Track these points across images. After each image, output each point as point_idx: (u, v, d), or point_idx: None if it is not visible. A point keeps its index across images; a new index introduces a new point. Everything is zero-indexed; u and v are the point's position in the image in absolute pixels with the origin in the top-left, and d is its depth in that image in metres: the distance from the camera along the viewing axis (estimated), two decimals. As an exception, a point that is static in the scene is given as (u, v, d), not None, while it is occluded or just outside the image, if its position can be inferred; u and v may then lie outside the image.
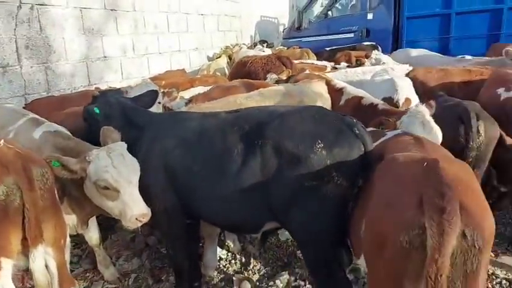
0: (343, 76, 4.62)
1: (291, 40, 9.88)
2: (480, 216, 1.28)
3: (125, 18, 5.97)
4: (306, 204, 1.97)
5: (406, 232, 1.28)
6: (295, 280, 3.02)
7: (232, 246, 3.44)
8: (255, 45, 9.98)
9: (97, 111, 2.70)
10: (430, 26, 8.21)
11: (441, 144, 2.92)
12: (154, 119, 2.59)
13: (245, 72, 5.40)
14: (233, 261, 3.39)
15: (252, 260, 3.36)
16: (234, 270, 3.27)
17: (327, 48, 8.79)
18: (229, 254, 3.46)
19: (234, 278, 3.06)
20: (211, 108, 2.91)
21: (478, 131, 2.68)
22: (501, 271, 3.08)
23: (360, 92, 3.30)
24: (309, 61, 7.34)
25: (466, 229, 1.23)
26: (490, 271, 3.09)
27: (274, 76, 4.80)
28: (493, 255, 3.31)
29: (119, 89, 3.36)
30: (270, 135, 2.06)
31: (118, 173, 2.14)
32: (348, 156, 1.90)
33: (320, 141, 1.94)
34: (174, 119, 2.56)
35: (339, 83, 3.55)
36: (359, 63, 6.11)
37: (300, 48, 9.26)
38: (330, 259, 2.02)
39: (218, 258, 3.38)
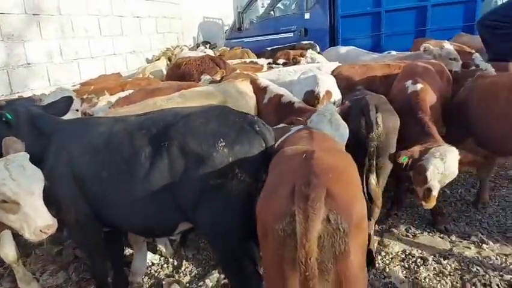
0: (276, 75, 4.73)
1: (233, 41, 9.95)
2: (346, 202, 1.38)
3: (49, 22, 5.70)
4: (212, 202, 2.01)
5: (281, 221, 1.35)
6: (225, 278, 3.07)
7: (164, 250, 3.42)
8: (197, 46, 9.93)
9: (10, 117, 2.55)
10: (363, 24, 8.63)
11: (354, 136, 3.11)
12: (62, 126, 2.50)
13: (180, 73, 5.37)
14: (165, 265, 3.36)
15: (184, 262, 3.36)
16: (166, 274, 3.24)
17: (269, 48, 8.98)
18: (162, 258, 3.43)
19: (163, 282, 3.05)
20: (128, 112, 2.87)
21: (377, 123, 2.86)
22: (417, 251, 3.32)
23: (281, 90, 3.40)
24: (248, 60, 7.45)
25: (330, 214, 1.32)
26: (408, 251, 3.32)
27: (207, 77, 4.80)
28: (411, 236, 3.57)
29: (30, 97, 3.22)
30: (175, 136, 2.08)
31: (17, 185, 2.05)
32: (249, 152, 1.97)
33: (221, 140, 1.99)
34: (82, 124, 2.50)
35: (263, 82, 3.64)
36: (295, 62, 6.30)
37: (242, 48, 9.40)
38: (239, 255, 2.07)
39: (150, 263, 3.34)
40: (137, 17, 7.75)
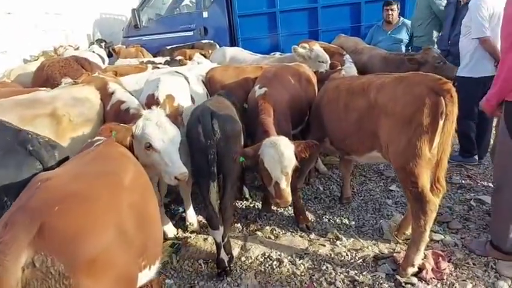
0: (147, 78, 4.46)
1: (131, 38, 9.39)
2: (66, 240, 1.20)
3: None
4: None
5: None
6: None
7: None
8: (92, 44, 9.20)
9: None
10: (260, 24, 8.67)
11: (192, 145, 3.00)
12: None
13: (43, 77, 4.85)
14: None
15: None
16: None
17: (168, 47, 8.65)
18: None
19: None
20: None
21: (214, 129, 2.79)
22: (276, 252, 3.32)
23: (124, 97, 3.16)
24: (145, 60, 7.09)
25: (36, 256, 1.13)
26: (267, 254, 3.31)
27: (69, 80, 4.37)
28: (274, 238, 3.58)
29: None
30: None
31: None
32: (17, 177, 1.71)
33: (-15, 164, 1.71)
34: None
35: (112, 87, 3.37)
36: (181, 64, 6.08)
37: (141, 46, 8.93)
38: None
39: None
40: (9, 13, 6.88)
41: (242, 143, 3.23)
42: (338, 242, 3.40)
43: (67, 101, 3.00)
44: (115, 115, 3.01)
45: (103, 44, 9.28)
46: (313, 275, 3.04)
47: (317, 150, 3.26)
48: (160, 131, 2.58)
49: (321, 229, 3.66)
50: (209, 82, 4.46)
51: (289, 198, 2.87)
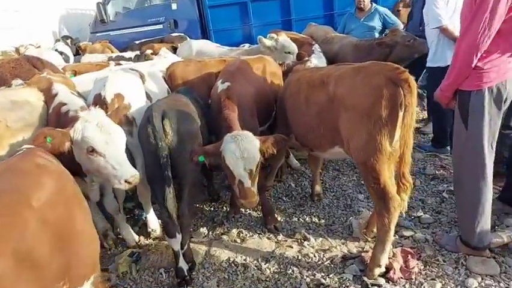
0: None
1: (98, 34, 9.05)
2: None
3: None
4: None
5: None
6: None
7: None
8: (57, 42, 8.80)
9: None
10: (232, 15, 8.42)
11: (143, 147, 2.79)
12: None
13: (2, 76, 4.51)
14: None
15: None
16: None
17: (137, 42, 8.33)
18: None
19: None
20: None
21: (165, 130, 2.58)
22: (241, 257, 3.16)
23: (66, 98, 2.92)
24: (114, 55, 6.81)
25: None
26: (232, 259, 3.14)
27: (19, 82, 4.06)
28: (240, 241, 3.41)
29: None
30: None
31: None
32: None
33: None
34: None
35: (56, 88, 3.11)
36: (146, 58, 5.81)
37: (109, 42, 8.59)
38: None
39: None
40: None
41: (201, 142, 3.02)
42: (306, 243, 3.25)
43: (4, 105, 2.74)
44: (56, 119, 2.77)
45: (69, 41, 8.91)
46: (279, 280, 2.88)
47: (285, 146, 3.08)
48: (102, 133, 2.35)
49: (290, 229, 3.51)
50: (170, 78, 4.22)
51: (255, 199, 2.68)
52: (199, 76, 4.21)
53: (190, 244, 3.25)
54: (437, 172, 4.29)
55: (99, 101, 3.01)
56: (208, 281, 2.96)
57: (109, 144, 2.39)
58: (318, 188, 3.94)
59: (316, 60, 4.31)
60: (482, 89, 2.42)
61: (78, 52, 8.52)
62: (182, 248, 2.90)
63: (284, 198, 4.11)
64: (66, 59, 7.44)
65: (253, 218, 3.76)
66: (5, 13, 7.64)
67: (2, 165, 1.61)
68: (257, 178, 2.78)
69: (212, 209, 4.04)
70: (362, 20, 6.33)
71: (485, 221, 2.64)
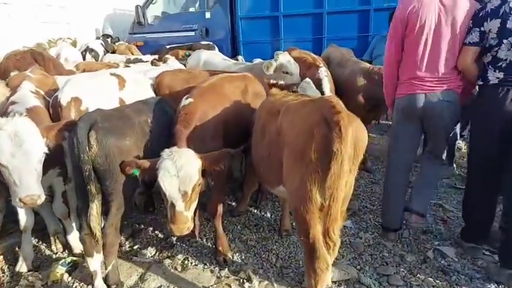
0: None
1: (135, 36, 9.34)
2: None
3: None
4: None
5: None
6: None
7: None
8: (97, 39, 9.25)
9: None
10: (263, 28, 8.28)
11: (71, 158, 2.65)
12: None
13: (1, 69, 4.75)
14: None
15: None
16: None
17: (167, 46, 8.49)
18: None
19: None
20: None
21: (89, 142, 2.43)
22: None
23: (18, 99, 2.90)
24: (119, 57, 6.98)
25: None
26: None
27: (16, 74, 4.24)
28: (180, 270, 3.16)
29: None
30: None
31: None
32: None
33: None
34: None
35: (21, 87, 3.14)
36: (154, 65, 5.82)
37: (143, 44, 8.91)
38: None
39: None
40: (5, 3, 7.00)
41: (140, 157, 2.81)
42: (247, 284, 2.92)
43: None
44: (2, 116, 2.74)
45: (108, 40, 9.30)
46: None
47: (234, 161, 2.80)
48: (12, 144, 2.25)
49: (238, 264, 3.19)
50: (157, 87, 4.13)
51: (186, 225, 2.45)
52: (186, 87, 4.06)
53: (131, 263, 3.10)
54: (433, 226, 3.72)
55: (54, 103, 2.96)
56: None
57: (15, 157, 2.28)
58: (287, 223, 3.58)
59: (305, 85, 3.93)
60: (399, 97, 3.23)
61: (114, 51, 8.88)
62: (106, 269, 2.72)
63: (252, 228, 3.79)
64: (95, 57, 7.75)
65: (211, 245, 3.49)
66: (49, 8, 8.17)
67: None
68: (194, 203, 2.55)
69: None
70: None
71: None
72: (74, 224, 3.31)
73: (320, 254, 2.10)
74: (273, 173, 2.57)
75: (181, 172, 2.39)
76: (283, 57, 4.41)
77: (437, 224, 3.75)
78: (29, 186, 2.29)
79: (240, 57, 5.98)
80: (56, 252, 3.41)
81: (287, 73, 4.36)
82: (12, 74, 4.30)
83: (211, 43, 8.27)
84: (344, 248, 3.36)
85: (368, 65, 4.93)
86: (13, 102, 2.83)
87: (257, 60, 5.84)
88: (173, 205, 2.43)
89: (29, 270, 3.10)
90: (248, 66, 4.95)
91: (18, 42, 7.31)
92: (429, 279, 2.92)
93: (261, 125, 2.74)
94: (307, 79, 4.05)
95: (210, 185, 2.90)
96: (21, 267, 3.09)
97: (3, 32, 7.13)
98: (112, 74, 3.73)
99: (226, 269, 3.13)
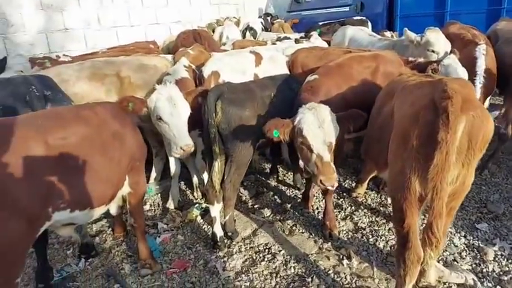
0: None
1: (292, 13, 9.73)
2: None
3: (87, -5, 6.67)
4: None
5: None
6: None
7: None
8: (259, 17, 10.04)
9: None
10: (425, 2, 7.47)
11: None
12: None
13: (177, 45, 5.79)
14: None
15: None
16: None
17: (320, 23, 8.58)
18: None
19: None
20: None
21: (215, 110, 2.83)
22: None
23: (171, 70, 3.64)
24: (272, 35, 7.39)
25: None
26: None
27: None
28: (286, 234, 3.39)
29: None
30: None
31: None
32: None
33: None
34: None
35: (180, 60, 3.85)
36: (299, 42, 6.04)
37: (299, 21, 9.22)
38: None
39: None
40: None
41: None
42: (345, 261, 2.96)
43: (133, 66, 3.63)
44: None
45: (268, 18, 9.97)
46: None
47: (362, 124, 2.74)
48: (170, 105, 2.83)
49: (343, 242, 3.22)
50: (292, 64, 4.34)
51: (335, 176, 2.43)
52: (318, 65, 4.14)
53: (248, 218, 3.52)
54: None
55: (199, 76, 3.53)
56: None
57: (173, 116, 2.85)
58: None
59: (449, 66, 3.42)
60: None
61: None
62: (224, 218, 3.19)
63: (366, 211, 3.71)
64: (253, 35, 8.45)
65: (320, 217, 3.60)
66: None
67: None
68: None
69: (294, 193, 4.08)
70: None
71: None
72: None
73: (411, 245, 1.99)
74: (381, 156, 2.48)
75: (324, 124, 2.44)
76: (432, 34, 3.97)
77: None
78: (185, 137, 2.85)
79: (388, 33, 5.57)
80: (196, 198, 4.13)
81: (433, 51, 3.92)
82: (180, 50, 5.22)
83: (364, 18, 7.93)
84: (469, 251, 2.98)
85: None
86: (168, 74, 3.52)
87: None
88: (319, 157, 2.43)
89: (174, 208, 3.87)
90: (391, 43, 4.64)
91: (196, 22, 8.59)
92: None
93: (378, 106, 2.64)
94: (452, 55, 3.55)
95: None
96: (170, 204, 3.88)
97: (185, 14, 8.51)
98: (251, 52, 4.12)
99: (330, 243, 3.21)
